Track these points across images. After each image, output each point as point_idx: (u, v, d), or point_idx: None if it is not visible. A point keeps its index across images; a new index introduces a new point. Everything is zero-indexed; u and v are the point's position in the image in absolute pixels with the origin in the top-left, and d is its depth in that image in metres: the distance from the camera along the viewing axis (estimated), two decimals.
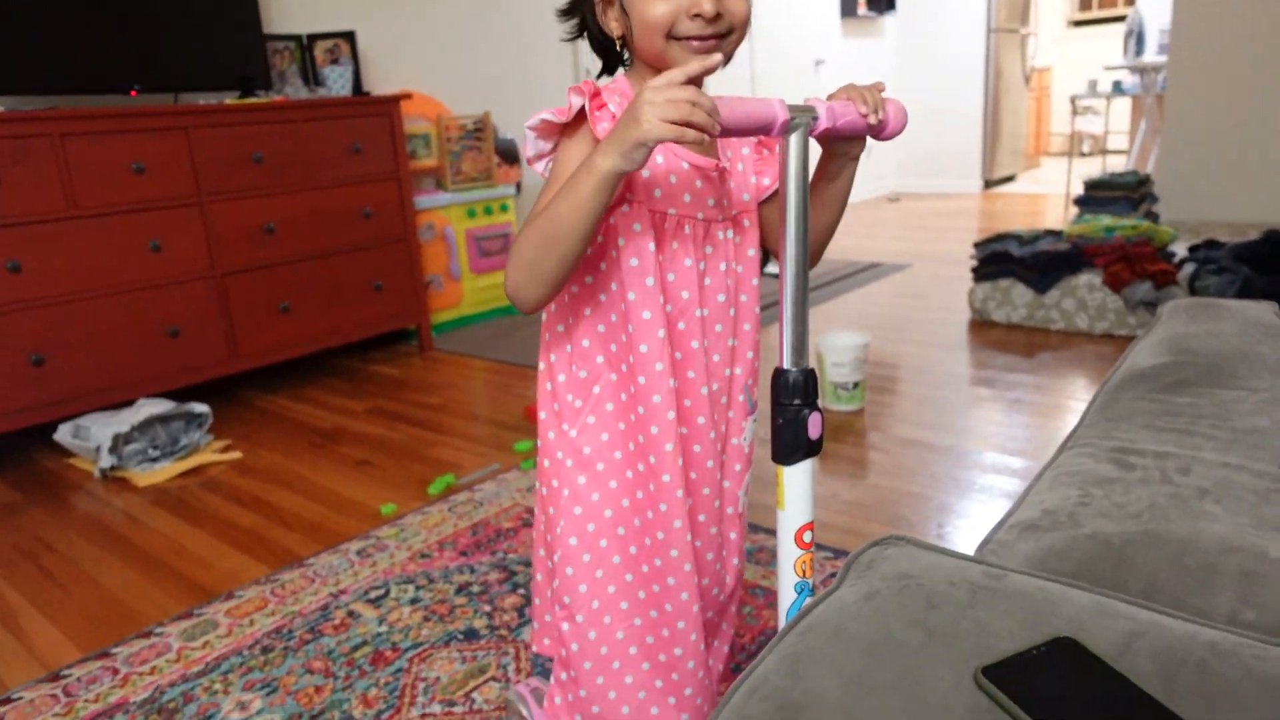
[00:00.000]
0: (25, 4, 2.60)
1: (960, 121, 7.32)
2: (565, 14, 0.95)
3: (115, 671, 1.58)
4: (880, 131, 0.87)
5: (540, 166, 0.92)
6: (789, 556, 0.85)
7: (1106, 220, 3.43)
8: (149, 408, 2.56)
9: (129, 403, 2.66)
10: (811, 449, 0.83)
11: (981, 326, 3.40)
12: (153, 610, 1.78)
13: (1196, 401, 1.16)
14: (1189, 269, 3.08)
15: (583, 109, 0.86)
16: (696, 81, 0.78)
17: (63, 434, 2.58)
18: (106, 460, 2.43)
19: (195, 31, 2.98)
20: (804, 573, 0.85)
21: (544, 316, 1.02)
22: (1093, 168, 7.03)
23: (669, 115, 0.72)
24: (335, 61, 3.40)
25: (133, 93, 2.86)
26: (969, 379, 2.87)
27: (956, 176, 7.46)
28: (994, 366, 2.95)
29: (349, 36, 3.43)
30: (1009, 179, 7.79)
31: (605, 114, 0.87)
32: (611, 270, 0.93)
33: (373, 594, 1.78)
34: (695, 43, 0.85)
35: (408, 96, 3.44)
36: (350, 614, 1.71)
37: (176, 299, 2.78)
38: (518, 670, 1.50)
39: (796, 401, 0.82)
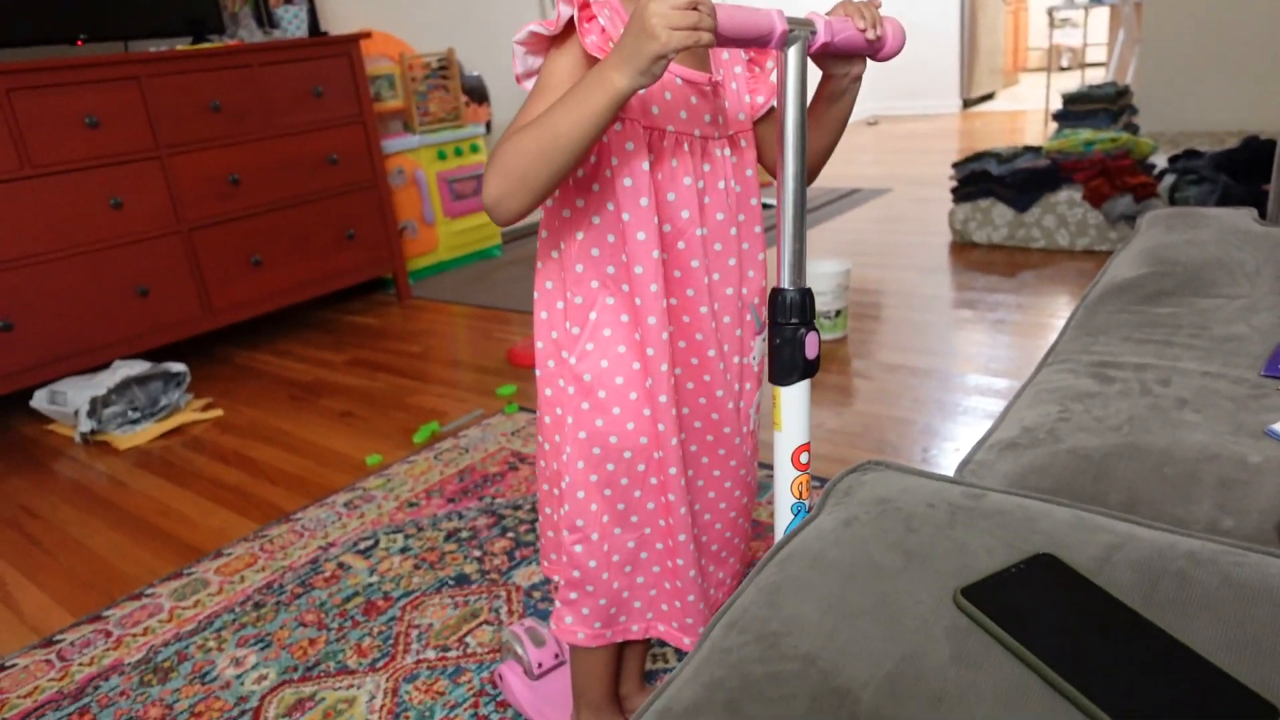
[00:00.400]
0: None
1: (937, 40, 7.19)
2: None
3: (108, 634, 1.58)
4: (878, 51, 0.86)
5: (529, 84, 0.89)
6: (785, 478, 0.85)
7: (1086, 134, 3.38)
8: (125, 369, 2.52)
9: (104, 365, 2.62)
10: (808, 369, 0.83)
11: (963, 248, 3.38)
12: (142, 572, 1.78)
13: (1176, 311, 1.15)
14: (1169, 180, 3.05)
15: (571, 20, 0.82)
16: None
17: (39, 400, 2.55)
18: (86, 424, 2.40)
19: None
20: (800, 494, 0.86)
21: (537, 244, 1.00)
22: (1072, 82, 6.93)
23: (679, 23, 0.70)
24: (289, 1, 3.28)
25: (79, 42, 2.75)
26: (951, 301, 2.86)
27: (935, 97, 7.36)
28: (976, 288, 2.93)
29: None
30: (988, 97, 7.68)
31: (594, 26, 0.83)
32: (605, 191, 0.90)
33: (362, 545, 1.78)
34: None
35: (367, 35, 3.33)
36: (340, 566, 1.71)
37: (143, 256, 2.71)
38: (510, 613, 1.51)
39: (794, 320, 0.81)
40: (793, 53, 0.77)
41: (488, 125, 4.19)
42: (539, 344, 1.02)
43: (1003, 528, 0.69)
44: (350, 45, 3.20)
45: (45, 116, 2.47)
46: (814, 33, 0.80)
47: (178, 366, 2.60)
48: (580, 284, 0.96)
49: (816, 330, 0.82)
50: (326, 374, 2.79)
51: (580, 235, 0.94)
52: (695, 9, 0.70)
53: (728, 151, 0.95)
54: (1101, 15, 6.82)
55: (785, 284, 0.82)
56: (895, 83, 7.44)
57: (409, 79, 3.66)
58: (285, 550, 1.79)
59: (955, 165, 3.49)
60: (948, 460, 1.86)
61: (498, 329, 3.04)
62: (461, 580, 1.61)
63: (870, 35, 0.83)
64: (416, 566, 1.68)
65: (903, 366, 2.35)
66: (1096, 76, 6.71)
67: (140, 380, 2.54)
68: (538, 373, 1.03)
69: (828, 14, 0.83)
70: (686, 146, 0.91)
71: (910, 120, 7.17)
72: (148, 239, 2.72)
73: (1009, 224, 3.27)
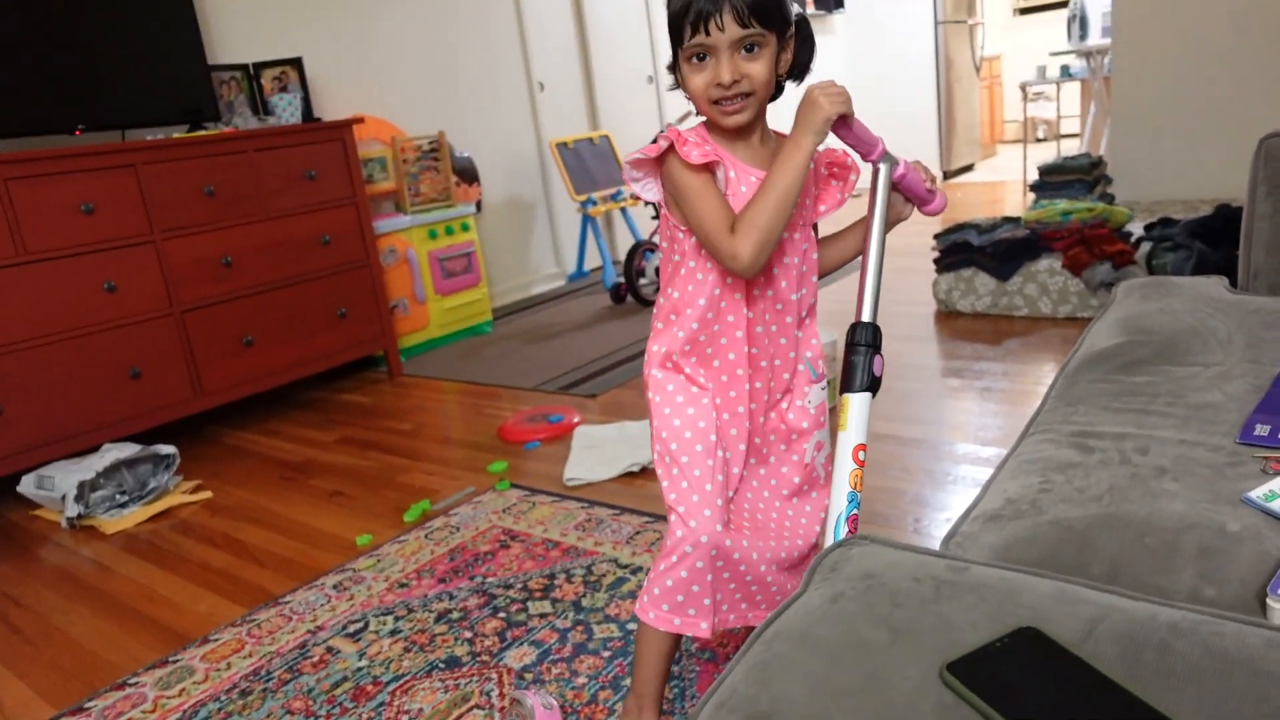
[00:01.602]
0: None
1: (915, 114, 7.39)
2: (671, 69, 1.18)
3: None
4: (926, 204, 1.22)
5: (638, 189, 1.18)
6: (844, 470, 1.02)
7: (1063, 204, 3.47)
8: (114, 452, 2.52)
9: (94, 448, 2.61)
10: (873, 385, 1.05)
11: (947, 317, 3.43)
12: (126, 660, 1.75)
13: (1152, 380, 1.17)
14: (1146, 247, 3.12)
15: (672, 146, 1.11)
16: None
17: (26, 485, 2.53)
18: (72, 509, 2.39)
19: (138, 66, 2.94)
20: (856, 485, 1.02)
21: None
22: (1048, 153, 7.12)
23: (833, 97, 1.05)
24: (284, 89, 3.37)
25: (76, 131, 2.82)
26: (938, 370, 2.89)
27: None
28: (962, 356, 2.97)
29: (296, 63, 3.41)
30: (967, 168, 7.87)
31: (690, 146, 1.10)
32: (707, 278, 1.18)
33: (351, 628, 1.75)
34: (725, 104, 1.10)
35: (360, 120, 3.42)
36: (329, 650, 1.69)
37: (136, 339, 2.73)
38: (501, 696, 1.48)
39: (865, 345, 1.06)
40: (884, 167, 1.13)
41: (478, 204, 4.27)
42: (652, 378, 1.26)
43: (987, 601, 0.70)
44: (343, 130, 3.29)
45: (41, 204, 2.52)
46: (896, 164, 1.13)
47: (167, 449, 2.59)
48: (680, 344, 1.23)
49: (882, 356, 1.07)
50: (317, 453, 2.78)
51: (694, 302, 1.19)
52: (840, 92, 1.06)
53: (797, 235, 1.21)
54: (1073, 89, 7.05)
55: (865, 318, 1.08)
56: None
57: (400, 161, 3.74)
58: (273, 635, 1.76)
59: (937, 236, 3.56)
60: (939, 530, 1.85)
61: (488, 405, 3.05)
62: (452, 663, 1.59)
63: (930, 186, 1.19)
64: (406, 649, 1.65)
65: (891, 436, 2.36)
66: (1071, 147, 6.89)
67: (129, 463, 2.53)
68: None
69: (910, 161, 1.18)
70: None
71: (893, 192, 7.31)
72: (140, 322, 2.74)
73: (992, 293, 3.32)
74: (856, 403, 1.04)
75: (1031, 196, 4.38)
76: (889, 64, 7.39)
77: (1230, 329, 1.28)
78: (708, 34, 1.06)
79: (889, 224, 1.18)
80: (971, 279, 3.37)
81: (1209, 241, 2.93)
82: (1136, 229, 3.33)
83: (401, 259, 3.68)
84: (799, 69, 1.19)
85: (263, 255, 3.05)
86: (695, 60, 1.09)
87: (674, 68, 1.17)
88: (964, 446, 2.24)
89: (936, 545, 0.93)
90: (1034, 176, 4.24)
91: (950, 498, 1.99)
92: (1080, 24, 5.75)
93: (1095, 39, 5.83)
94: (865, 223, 1.17)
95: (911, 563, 0.77)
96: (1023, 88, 6.28)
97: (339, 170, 3.28)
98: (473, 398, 3.17)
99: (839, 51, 7.49)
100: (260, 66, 3.37)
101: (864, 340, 1.06)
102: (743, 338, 1.19)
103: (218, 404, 2.98)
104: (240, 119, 3.20)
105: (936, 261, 3.50)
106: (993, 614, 0.68)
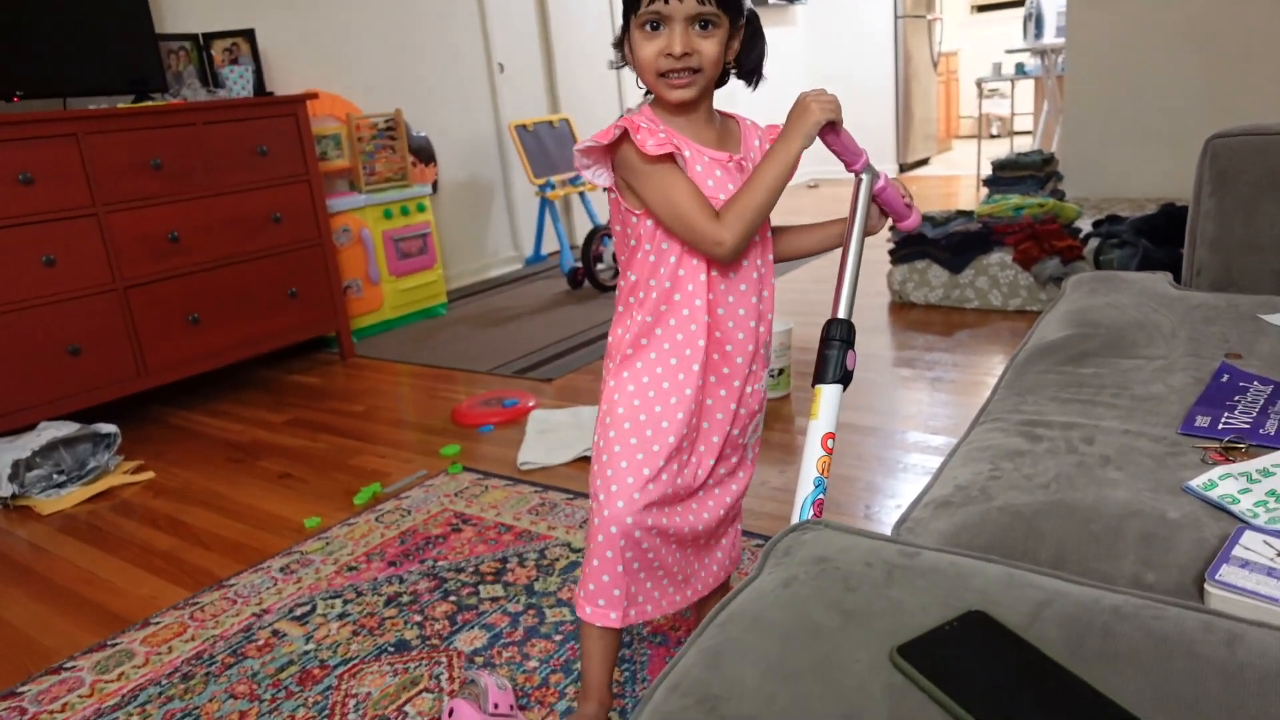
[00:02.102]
0: None
1: (873, 107, 7.45)
2: (617, 46, 1.18)
3: (23, 711, 1.50)
4: (902, 218, 1.24)
5: (589, 175, 1.16)
6: (813, 457, 1.05)
7: (1015, 199, 3.53)
8: (52, 430, 2.44)
9: (30, 427, 2.53)
10: (846, 378, 1.09)
11: (901, 308, 3.47)
12: (63, 643, 1.70)
13: (1099, 372, 1.20)
14: (1094, 244, 3.19)
15: (626, 134, 1.11)
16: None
17: None
18: (6, 489, 2.31)
19: (82, 32, 2.84)
20: (823, 471, 1.05)
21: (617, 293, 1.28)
22: (1002, 149, 7.24)
23: (825, 104, 1.08)
24: (235, 61, 3.29)
25: (15, 98, 2.71)
26: (891, 360, 2.92)
27: (872, 161, 7.59)
28: (914, 347, 3.01)
29: (248, 35, 3.32)
30: (923, 162, 7.97)
31: (645, 135, 1.10)
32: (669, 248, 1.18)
33: (298, 611, 1.72)
34: (673, 77, 1.10)
35: (314, 96, 3.35)
36: (275, 634, 1.66)
37: (75, 315, 2.65)
38: (451, 679, 1.47)
39: (839, 340, 1.10)
40: (866, 179, 1.17)
41: (434, 185, 4.22)
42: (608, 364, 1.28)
43: (937, 586, 0.71)
44: (296, 105, 3.21)
45: None
46: (877, 177, 1.18)
47: (108, 428, 2.52)
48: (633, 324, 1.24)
49: (855, 353, 1.11)
50: (265, 435, 2.73)
51: (651, 283, 1.20)
52: (832, 100, 1.09)
53: None
54: (1027, 87, 7.17)
55: (841, 315, 1.12)
56: None
57: (356, 139, 3.67)
58: (217, 619, 1.73)
59: (891, 228, 3.60)
60: (890, 517, 1.88)
61: (442, 388, 3.02)
62: (401, 647, 1.57)
63: (908, 201, 1.23)
64: (355, 633, 1.63)
65: (845, 424, 2.38)
66: (1025, 144, 7.02)
67: (67, 442, 2.45)
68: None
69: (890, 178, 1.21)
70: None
71: (849, 184, 7.37)
72: (81, 297, 2.66)
73: (944, 285, 3.37)
74: (828, 394, 1.08)
75: (985, 191, 4.45)
76: (848, 57, 7.44)
77: (1174, 323, 1.31)
78: (666, 1, 1.07)
79: (837, 235, 1.24)
80: (925, 271, 3.41)
81: (1154, 239, 3.00)
82: (1085, 225, 3.41)
83: (355, 239, 3.62)
84: (749, 65, 1.20)
85: (211, 232, 2.98)
86: (649, 28, 1.10)
87: (622, 43, 1.17)
88: (915, 435, 2.27)
89: (888, 531, 0.94)
90: (988, 171, 4.31)
91: (901, 485, 2.02)
92: (1036, 22, 5.84)
93: (1050, 38, 5.93)
94: (843, 228, 1.21)
95: (864, 547, 0.77)
96: (979, 84, 6.37)
97: (291, 146, 3.20)
98: (427, 380, 3.14)
99: (799, 42, 7.52)
100: (210, 37, 3.27)
101: (839, 336, 1.11)
102: (703, 316, 1.19)
103: (162, 383, 2.90)
104: (189, 90, 3.11)
105: (891, 253, 3.54)
106: (942, 598, 0.69)
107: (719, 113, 1.23)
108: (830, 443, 1.07)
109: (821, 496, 1.05)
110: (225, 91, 3.20)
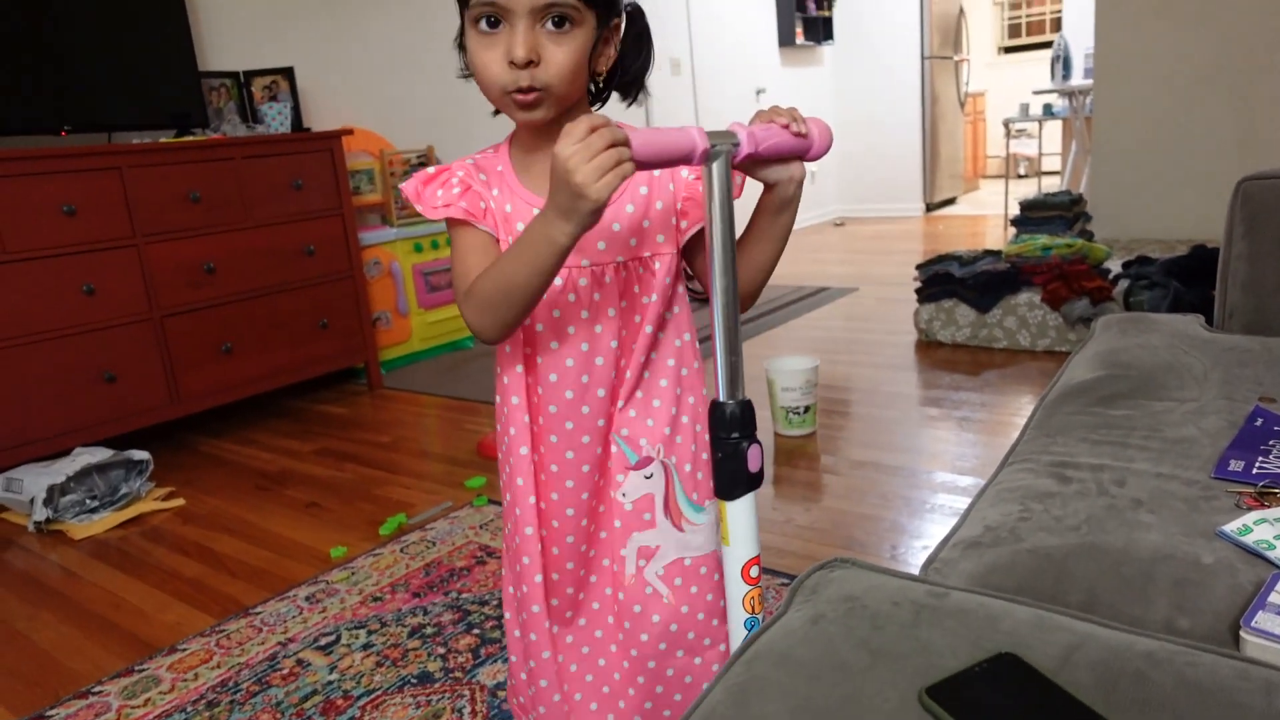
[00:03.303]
0: None
1: (900, 146, 7.49)
2: (460, 48, 0.93)
3: None
4: (806, 150, 0.85)
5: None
6: (737, 593, 0.84)
7: (1043, 239, 3.52)
8: (86, 456, 2.48)
9: (64, 452, 2.57)
10: (753, 482, 0.82)
11: (928, 347, 3.46)
12: (91, 668, 1.71)
13: (1130, 414, 1.19)
14: (1123, 285, 3.17)
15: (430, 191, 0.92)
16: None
17: None
18: (41, 513, 2.35)
19: (128, 70, 2.93)
20: (753, 608, 0.84)
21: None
22: (1029, 189, 7.23)
23: (602, 169, 0.71)
24: (274, 98, 3.37)
25: (63, 133, 2.80)
26: (918, 399, 2.91)
27: (899, 200, 7.62)
28: (941, 386, 2.99)
29: (287, 73, 3.41)
30: (949, 202, 7.97)
31: (432, 191, 0.91)
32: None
33: (323, 641, 1.73)
34: (518, 96, 0.84)
35: (349, 132, 3.42)
36: (299, 663, 1.66)
37: (112, 343, 2.70)
38: (473, 714, 1.47)
39: (735, 435, 0.80)
40: (716, 167, 0.77)
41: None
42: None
43: (966, 627, 0.70)
44: (332, 141, 3.28)
45: (23, 204, 2.49)
46: (737, 144, 0.79)
47: (140, 454, 2.56)
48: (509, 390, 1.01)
49: (759, 443, 0.81)
50: (293, 464, 2.76)
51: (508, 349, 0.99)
52: (610, 147, 0.71)
53: (624, 275, 0.95)
54: (1055, 127, 7.18)
55: (723, 397, 0.81)
56: (861, 186, 7.73)
57: (388, 174, 3.74)
58: (243, 646, 1.74)
59: (919, 267, 3.60)
60: (915, 558, 1.86)
61: (468, 420, 3.04)
62: (425, 678, 1.57)
63: (795, 128, 0.83)
64: (379, 664, 1.63)
65: (870, 463, 2.37)
66: (1052, 184, 7.01)
67: (101, 468, 2.49)
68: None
69: (749, 123, 0.83)
70: (584, 280, 0.93)
71: (875, 222, 7.41)
72: (119, 325, 2.72)
73: (972, 324, 3.36)
74: (736, 511, 0.82)
75: (1012, 231, 4.44)
76: (876, 96, 7.50)
77: (1206, 366, 1.30)
78: None
79: (776, 206, 0.89)
80: (952, 310, 3.40)
81: (1185, 280, 2.98)
82: (1114, 266, 3.38)
83: (385, 271, 3.67)
84: (628, 77, 0.94)
85: (246, 263, 3.04)
86: (485, 26, 0.83)
87: (461, 43, 0.91)
88: (941, 475, 2.25)
89: (914, 571, 0.93)
90: (1015, 211, 4.30)
91: (927, 525, 2.00)
92: (1063, 64, 5.86)
93: (1078, 79, 5.94)
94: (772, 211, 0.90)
95: (892, 587, 0.77)
96: (1006, 124, 6.39)
97: (326, 181, 3.27)
98: (453, 412, 3.16)
99: (827, 81, 7.59)
100: (251, 75, 3.36)
101: (732, 428, 0.80)
102: (518, 401, 0.98)
103: (194, 411, 2.95)
104: (229, 126, 3.19)
105: (918, 291, 3.54)
106: (972, 639, 0.69)
107: None
108: (754, 570, 0.83)
109: None
110: (264, 127, 3.28)
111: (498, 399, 1.02)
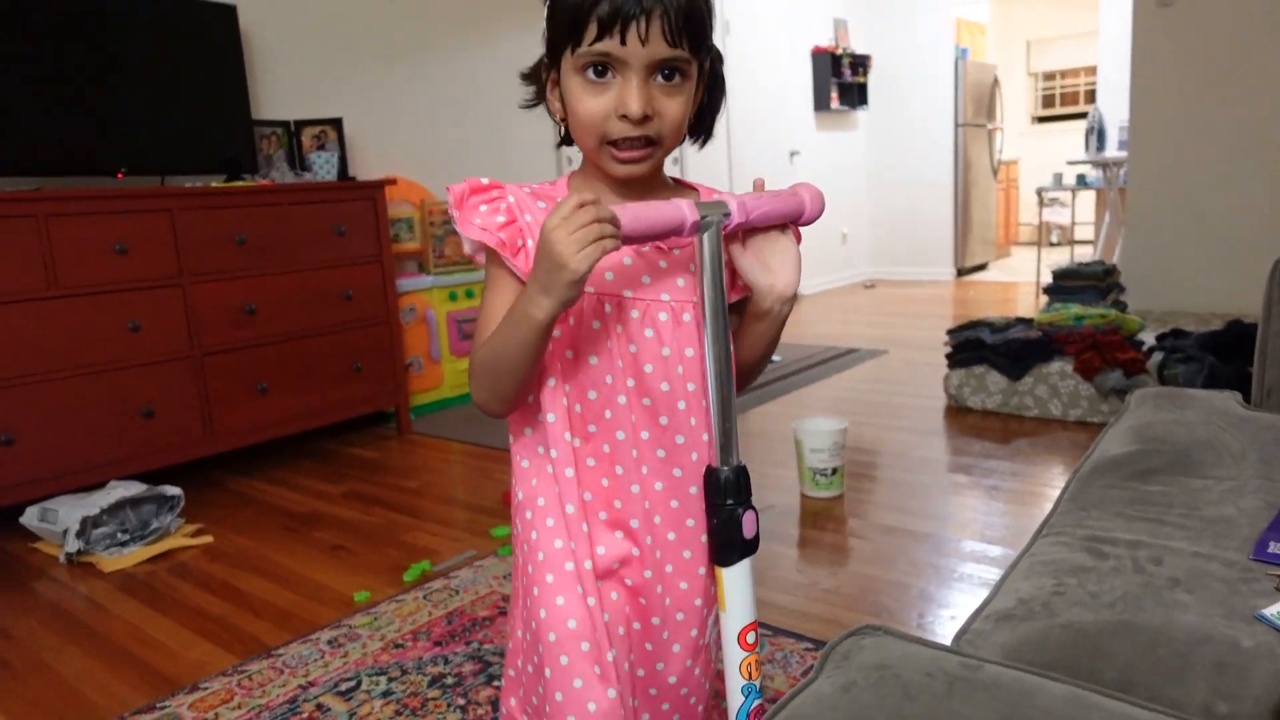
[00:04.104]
0: (14, 88, 2.66)
1: (932, 211, 7.54)
2: (526, 79, 0.91)
3: None
4: (799, 215, 0.85)
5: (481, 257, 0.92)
6: (734, 659, 0.83)
7: (1076, 309, 3.51)
8: (120, 490, 2.52)
9: (100, 484, 2.61)
10: (747, 548, 0.81)
11: (958, 412, 3.44)
12: (113, 702, 1.72)
13: (1166, 490, 1.18)
14: (1158, 357, 3.14)
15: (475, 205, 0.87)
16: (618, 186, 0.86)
17: (29, 517, 2.53)
18: (73, 544, 2.38)
19: (185, 117, 3.04)
20: (750, 674, 0.83)
21: None
22: (1061, 257, 7.22)
23: (584, 242, 0.72)
24: (322, 147, 3.48)
25: (119, 175, 2.90)
26: (947, 465, 2.89)
27: (930, 264, 7.64)
28: (971, 453, 2.97)
29: (336, 123, 3.51)
30: (981, 267, 7.98)
31: (471, 212, 0.85)
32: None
33: (343, 686, 1.73)
34: (621, 151, 0.83)
35: (392, 182, 3.51)
36: (319, 707, 1.66)
37: (153, 379, 2.76)
38: None
39: (730, 501, 0.80)
40: (707, 239, 0.78)
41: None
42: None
43: (1000, 701, 0.70)
44: (375, 190, 3.37)
45: (78, 241, 2.58)
46: (728, 214, 0.80)
47: (173, 490, 2.59)
48: (518, 452, 0.95)
49: (754, 509, 0.81)
50: (322, 505, 2.78)
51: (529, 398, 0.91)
52: (595, 222, 0.71)
53: (687, 318, 0.89)
54: (1088, 196, 7.19)
55: (718, 462, 0.81)
56: (892, 248, 7.76)
57: (428, 223, 3.82)
58: (264, 688, 1.74)
59: (950, 332, 3.60)
60: (943, 628, 1.83)
61: (495, 468, 3.05)
62: None
63: (782, 193, 0.83)
64: (398, 712, 1.63)
65: (899, 529, 2.35)
66: (1085, 253, 7.00)
67: (134, 502, 2.53)
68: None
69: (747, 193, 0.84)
70: (608, 308, 0.88)
71: (906, 285, 7.42)
72: (160, 362, 2.78)
73: (1003, 391, 3.34)
74: (733, 577, 0.81)
75: (1044, 299, 4.43)
76: (909, 161, 7.57)
77: (1244, 444, 1.29)
78: (623, 42, 0.77)
79: (755, 313, 0.88)
80: (983, 376, 3.39)
81: (1221, 356, 2.95)
82: (1148, 338, 3.36)
83: (420, 318, 3.73)
84: (704, 121, 0.92)
85: (286, 305, 3.10)
86: (592, 75, 0.81)
87: (541, 76, 0.89)
88: (971, 544, 2.23)
89: (943, 641, 0.92)
90: (1047, 279, 4.30)
91: (956, 595, 1.97)
92: (1098, 136, 5.89)
93: (1112, 151, 5.97)
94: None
95: (924, 656, 0.77)
96: (1039, 193, 6.41)
97: (368, 228, 3.35)
98: (480, 460, 3.18)
99: (860, 145, 7.68)
100: (301, 124, 3.47)
101: (730, 495, 0.80)
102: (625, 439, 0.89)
103: (227, 449, 2.99)
104: (277, 173, 3.29)
105: (949, 357, 3.53)
106: (1006, 714, 0.68)
107: (674, 182, 0.94)
108: (751, 636, 0.82)
109: (759, 702, 0.84)
110: (311, 175, 3.38)
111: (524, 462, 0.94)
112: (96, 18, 2.81)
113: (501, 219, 0.86)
